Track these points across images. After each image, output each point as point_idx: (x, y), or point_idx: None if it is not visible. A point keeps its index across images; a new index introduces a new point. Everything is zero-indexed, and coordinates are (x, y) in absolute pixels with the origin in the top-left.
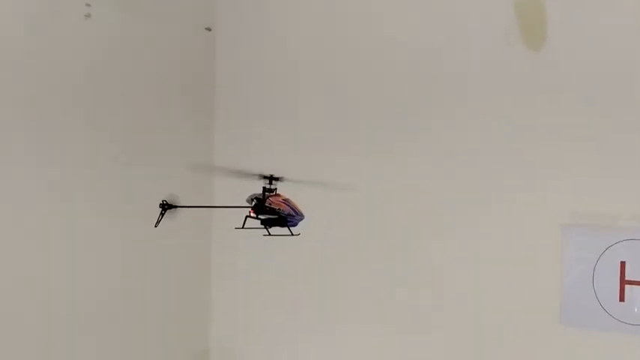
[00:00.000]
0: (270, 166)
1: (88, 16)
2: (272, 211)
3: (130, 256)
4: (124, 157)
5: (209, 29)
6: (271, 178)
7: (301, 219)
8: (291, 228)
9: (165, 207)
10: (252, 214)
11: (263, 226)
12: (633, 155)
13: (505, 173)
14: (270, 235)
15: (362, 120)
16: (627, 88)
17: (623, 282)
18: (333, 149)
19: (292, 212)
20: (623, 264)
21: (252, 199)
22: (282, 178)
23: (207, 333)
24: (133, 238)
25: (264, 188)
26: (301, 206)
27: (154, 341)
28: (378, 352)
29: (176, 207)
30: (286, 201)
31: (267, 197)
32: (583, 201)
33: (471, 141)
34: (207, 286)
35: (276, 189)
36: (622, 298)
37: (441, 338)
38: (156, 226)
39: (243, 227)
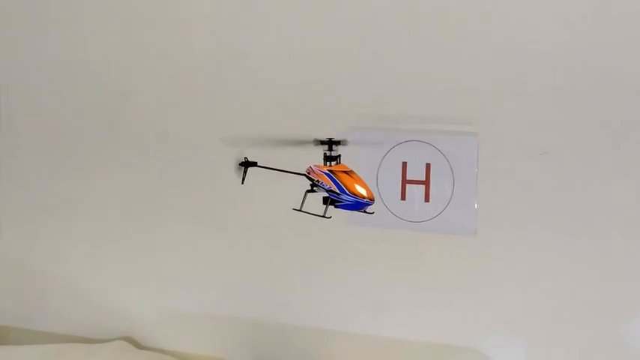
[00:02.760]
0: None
1: None
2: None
3: None
4: None
5: None
6: (330, 143)
7: (355, 201)
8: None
9: (247, 164)
10: (311, 188)
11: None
12: (414, 61)
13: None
14: (325, 217)
15: None
16: None
17: (405, 182)
18: None
19: (334, 189)
20: (404, 164)
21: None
22: (344, 141)
23: None
24: None
25: (324, 155)
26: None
27: None
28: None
29: (256, 165)
30: (334, 173)
31: (314, 167)
32: (368, 104)
33: None
34: None
35: (339, 156)
36: (403, 197)
37: (232, 236)
38: (242, 183)
39: (300, 210)
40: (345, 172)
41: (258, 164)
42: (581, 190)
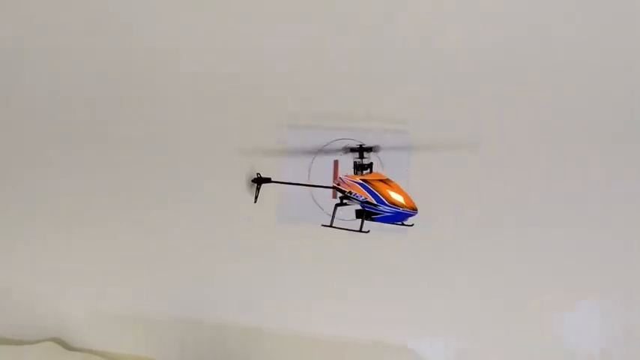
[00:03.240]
0: None
1: None
2: (345, 196)
3: None
4: None
5: None
6: (362, 150)
7: (395, 212)
8: (384, 223)
9: (260, 181)
10: (341, 201)
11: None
12: (347, 60)
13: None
14: (362, 231)
15: None
16: None
17: (337, 179)
18: None
19: (371, 200)
20: (336, 162)
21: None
22: (376, 147)
23: None
24: None
25: (355, 164)
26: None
27: None
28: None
29: (270, 181)
30: (369, 183)
31: (344, 178)
32: (299, 103)
33: None
34: None
35: (371, 164)
36: (334, 195)
37: (163, 238)
38: (255, 202)
39: (331, 225)
40: (381, 180)
41: (272, 180)
42: (514, 187)
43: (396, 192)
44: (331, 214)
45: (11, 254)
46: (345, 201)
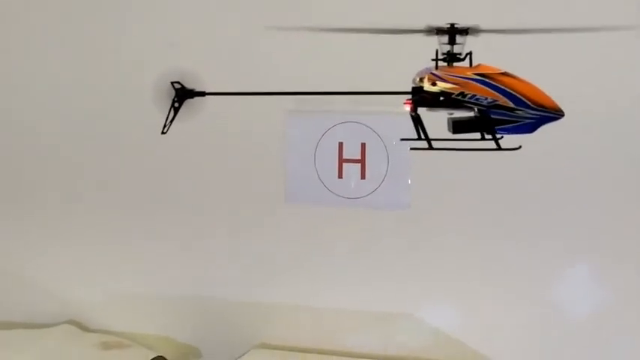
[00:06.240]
0: None
1: None
2: (450, 100)
3: None
4: None
5: None
6: (453, 32)
7: (541, 116)
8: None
9: (183, 95)
10: (411, 111)
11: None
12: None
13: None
14: (502, 149)
15: None
16: None
17: (341, 160)
18: None
19: (505, 102)
20: (340, 144)
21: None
22: (474, 29)
23: None
24: None
25: (438, 54)
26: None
27: None
28: None
29: (204, 94)
30: (491, 78)
31: (441, 73)
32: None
33: None
34: None
35: (469, 54)
36: (340, 176)
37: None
38: (165, 132)
39: (430, 147)
40: (502, 74)
41: (207, 93)
42: (504, 166)
43: (535, 90)
44: (335, 192)
45: (24, 240)
46: (451, 111)
